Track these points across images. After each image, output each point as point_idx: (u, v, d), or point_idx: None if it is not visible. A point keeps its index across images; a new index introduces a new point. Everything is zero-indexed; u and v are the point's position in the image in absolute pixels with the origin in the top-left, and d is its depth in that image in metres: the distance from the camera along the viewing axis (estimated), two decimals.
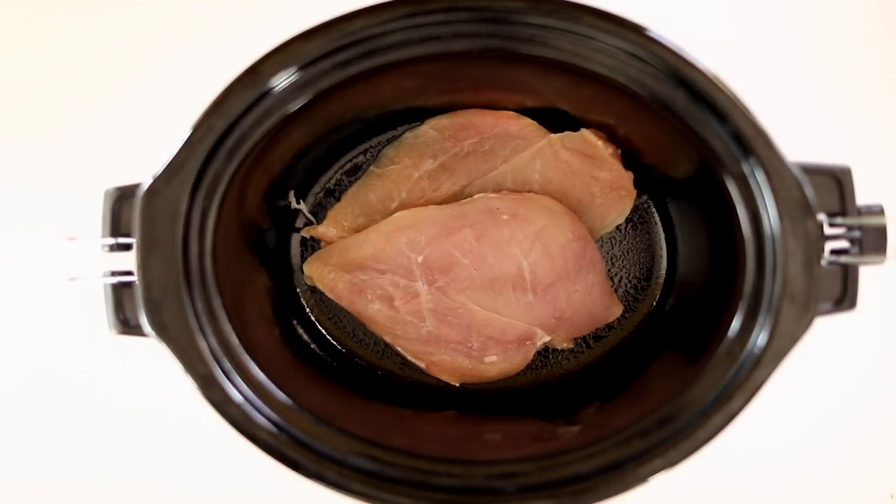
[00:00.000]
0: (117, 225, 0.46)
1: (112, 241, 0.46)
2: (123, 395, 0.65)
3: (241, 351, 0.46)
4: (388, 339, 0.61)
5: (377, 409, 0.57)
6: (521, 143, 0.61)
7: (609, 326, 0.62)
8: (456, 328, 0.59)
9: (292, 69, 0.45)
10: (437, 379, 0.61)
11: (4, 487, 0.65)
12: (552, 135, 0.61)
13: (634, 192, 0.61)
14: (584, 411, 0.56)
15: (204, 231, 0.45)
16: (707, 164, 0.47)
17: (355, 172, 0.62)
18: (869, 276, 0.47)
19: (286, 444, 0.45)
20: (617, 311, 0.62)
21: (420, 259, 0.59)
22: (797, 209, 0.44)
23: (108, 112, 0.65)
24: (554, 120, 0.61)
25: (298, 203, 0.62)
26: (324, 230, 0.62)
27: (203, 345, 0.45)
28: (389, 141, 0.62)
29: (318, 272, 0.61)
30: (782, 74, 0.67)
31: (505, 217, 0.59)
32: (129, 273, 0.45)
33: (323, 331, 0.62)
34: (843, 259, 0.45)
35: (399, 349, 0.61)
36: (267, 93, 0.46)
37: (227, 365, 0.45)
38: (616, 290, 0.62)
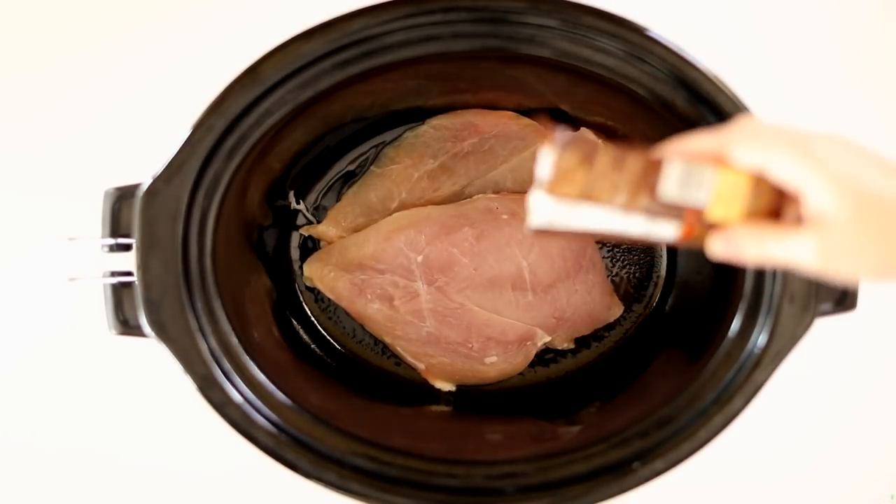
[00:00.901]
0: (117, 225, 0.46)
1: (112, 241, 0.46)
2: (123, 395, 0.65)
3: (240, 351, 0.46)
4: (387, 339, 0.60)
5: (377, 408, 0.57)
6: (520, 144, 0.61)
7: (609, 326, 0.62)
8: (456, 328, 0.59)
9: (292, 69, 0.45)
10: (438, 379, 0.61)
11: (5, 486, 0.65)
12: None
13: None
14: (584, 411, 0.56)
15: (204, 231, 0.45)
16: None
17: (355, 173, 0.62)
18: None
19: (286, 444, 0.45)
20: (617, 311, 0.62)
21: (420, 259, 0.59)
22: None
23: (109, 112, 0.65)
24: (554, 120, 0.61)
25: (298, 203, 0.62)
26: (324, 230, 0.62)
27: (203, 345, 0.45)
28: (389, 141, 0.62)
29: (318, 272, 0.61)
30: (782, 74, 0.67)
31: (505, 217, 0.59)
32: (128, 273, 0.45)
33: (323, 331, 0.62)
34: None
35: (399, 350, 0.61)
36: (267, 93, 0.46)
37: (227, 365, 0.45)
38: (616, 290, 0.62)
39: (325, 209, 0.63)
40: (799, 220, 0.33)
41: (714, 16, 0.68)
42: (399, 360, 0.62)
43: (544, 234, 0.36)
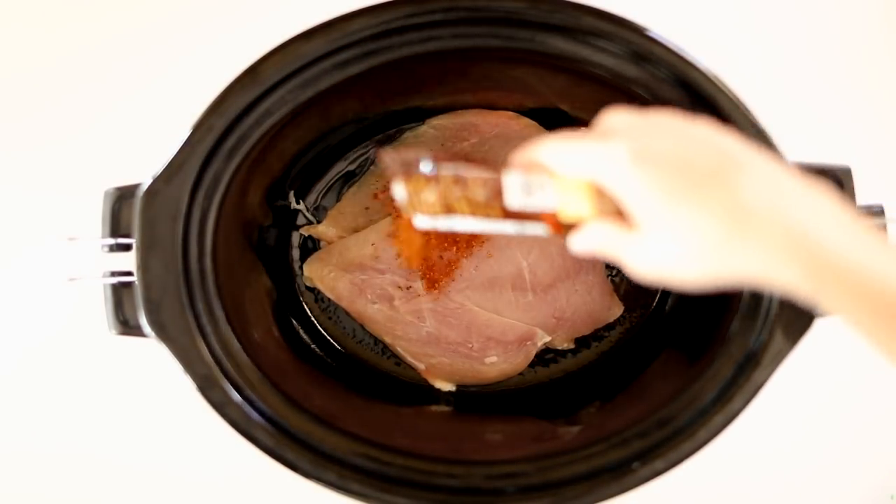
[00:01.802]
0: (117, 225, 0.46)
1: (112, 241, 0.46)
2: (123, 395, 0.65)
3: (240, 351, 0.45)
4: (387, 339, 0.60)
5: (377, 408, 0.57)
6: (520, 144, 0.61)
7: (609, 326, 0.62)
8: (456, 329, 0.59)
9: (292, 69, 0.45)
10: (438, 379, 0.61)
11: (5, 486, 0.65)
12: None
13: None
14: (584, 411, 0.56)
15: (204, 231, 0.45)
16: None
17: (355, 173, 0.62)
18: None
19: (286, 444, 0.45)
20: (617, 311, 0.62)
21: (419, 258, 0.59)
22: None
23: (109, 112, 0.65)
24: (554, 120, 0.61)
25: (298, 203, 0.62)
26: (324, 230, 0.62)
27: (203, 345, 0.45)
28: (389, 141, 0.62)
29: (318, 272, 0.61)
30: (782, 75, 0.67)
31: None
32: (128, 273, 0.45)
33: (323, 331, 0.62)
34: None
35: (399, 350, 0.61)
36: (267, 93, 0.46)
37: (227, 365, 0.45)
38: (616, 290, 0.62)
39: (325, 209, 0.63)
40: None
41: (714, 16, 0.68)
42: (399, 360, 0.62)
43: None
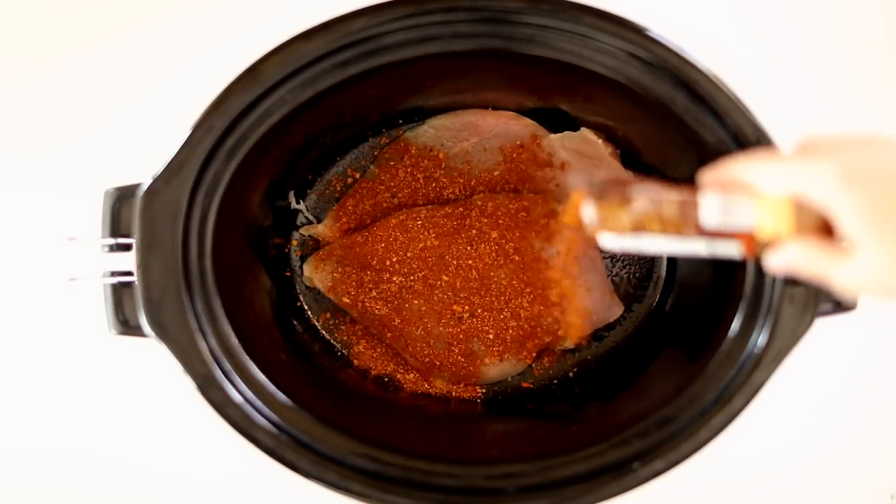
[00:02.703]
0: (117, 225, 0.46)
1: (112, 241, 0.46)
2: (123, 395, 0.65)
3: (240, 351, 0.45)
4: (387, 338, 0.60)
5: (377, 408, 0.57)
6: (520, 143, 0.61)
7: (609, 326, 0.62)
8: (456, 328, 0.59)
9: (292, 69, 0.45)
10: (438, 379, 0.61)
11: (5, 486, 0.65)
12: (552, 135, 0.61)
13: None
14: (584, 411, 0.56)
15: (204, 231, 0.45)
16: (707, 163, 0.47)
17: (355, 172, 0.62)
18: None
19: (286, 444, 0.45)
20: (617, 311, 0.62)
21: (419, 258, 0.59)
22: None
23: (109, 112, 0.65)
24: (554, 120, 0.61)
25: (298, 203, 0.62)
26: (324, 230, 0.62)
27: (203, 345, 0.45)
28: (389, 141, 0.62)
29: (318, 272, 0.61)
30: (782, 75, 0.67)
31: (504, 217, 0.59)
32: (128, 273, 0.45)
33: (323, 331, 0.62)
34: None
35: (399, 349, 0.61)
36: (267, 93, 0.46)
37: (227, 365, 0.45)
38: (616, 290, 0.62)
39: (325, 209, 0.63)
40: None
41: (714, 16, 0.68)
42: (399, 360, 0.62)
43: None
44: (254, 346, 0.47)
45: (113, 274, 0.46)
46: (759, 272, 0.45)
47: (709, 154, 0.46)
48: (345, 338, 0.62)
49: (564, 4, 0.46)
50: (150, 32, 0.66)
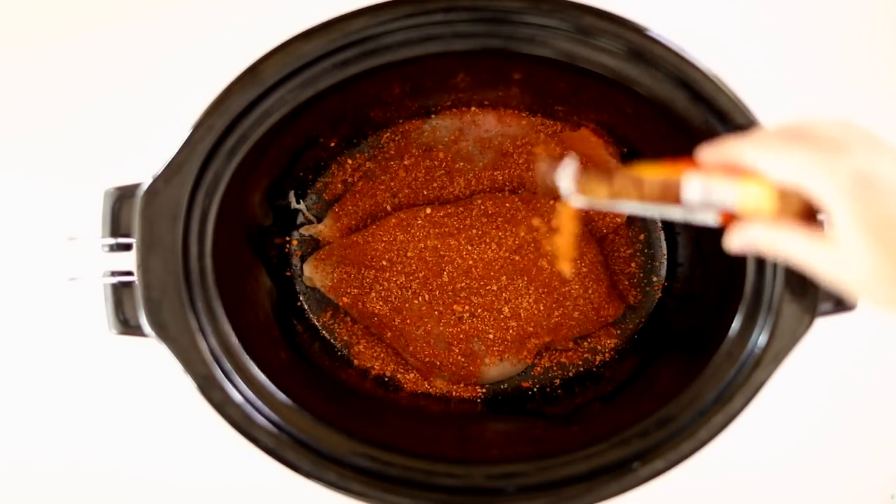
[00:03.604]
0: (117, 225, 0.46)
1: (112, 241, 0.46)
2: (123, 395, 0.65)
3: (240, 351, 0.45)
4: (387, 338, 0.61)
5: (377, 408, 0.57)
6: (521, 143, 0.61)
7: (609, 326, 0.62)
8: (455, 328, 0.59)
9: (292, 69, 0.45)
10: (438, 379, 0.61)
11: (5, 486, 0.65)
12: (552, 134, 0.61)
13: None
14: (584, 411, 0.56)
15: (204, 231, 0.45)
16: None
17: (355, 172, 0.62)
18: None
19: (286, 444, 0.45)
20: (617, 311, 0.62)
21: (419, 258, 0.59)
22: None
23: (108, 112, 0.65)
24: (554, 120, 0.61)
25: (298, 203, 0.62)
26: (324, 230, 0.62)
27: (203, 345, 0.45)
28: (390, 141, 0.62)
29: (318, 272, 0.61)
30: (782, 74, 0.67)
31: (504, 217, 0.59)
32: (129, 273, 0.45)
33: (323, 331, 0.62)
34: None
35: (399, 349, 0.61)
36: (267, 93, 0.46)
37: (227, 365, 0.45)
38: (616, 290, 0.62)
39: (325, 209, 0.63)
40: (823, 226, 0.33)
41: (714, 16, 0.68)
42: (399, 360, 0.62)
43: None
44: (254, 346, 0.47)
45: (113, 274, 0.46)
46: (760, 272, 0.45)
47: None
48: (345, 338, 0.62)
49: (564, 4, 0.46)
50: (151, 32, 0.66)
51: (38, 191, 0.66)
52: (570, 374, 0.62)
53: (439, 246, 0.59)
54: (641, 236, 0.63)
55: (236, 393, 0.45)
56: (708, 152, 0.35)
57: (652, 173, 0.36)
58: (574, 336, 0.61)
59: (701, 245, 0.59)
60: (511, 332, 0.59)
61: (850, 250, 0.31)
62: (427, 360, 0.60)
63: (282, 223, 0.62)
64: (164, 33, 0.66)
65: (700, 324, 0.54)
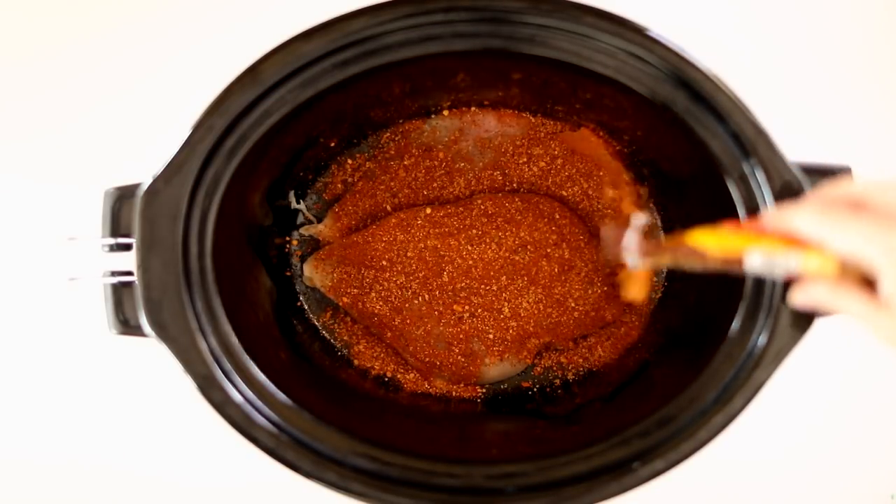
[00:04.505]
0: (117, 225, 0.46)
1: (112, 241, 0.46)
2: (123, 395, 0.65)
3: (240, 351, 0.45)
4: (387, 338, 0.61)
5: (377, 408, 0.57)
6: (521, 143, 0.61)
7: (609, 326, 0.62)
8: (455, 328, 0.59)
9: (292, 69, 0.45)
10: (438, 379, 0.61)
11: (5, 485, 0.65)
12: (552, 134, 0.61)
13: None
14: (584, 411, 0.56)
15: (204, 231, 0.45)
16: (707, 164, 0.47)
17: (355, 172, 0.62)
18: None
19: (286, 444, 0.45)
20: (617, 311, 0.62)
21: (419, 258, 0.59)
22: None
23: (108, 112, 0.65)
24: (554, 119, 0.61)
25: (298, 203, 0.62)
26: (324, 230, 0.62)
27: (203, 345, 0.45)
28: (390, 141, 0.62)
29: (318, 272, 0.61)
30: (782, 75, 0.67)
31: (504, 217, 0.59)
32: (129, 273, 0.45)
33: (323, 331, 0.62)
34: None
35: (399, 349, 0.61)
36: (267, 93, 0.46)
37: (227, 365, 0.45)
38: (616, 290, 0.62)
39: (325, 209, 0.63)
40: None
41: (714, 16, 0.68)
42: (399, 360, 0.62)
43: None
44: (254, 346, 0.47)
45: (113, 274, 0.46)
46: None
47: (709, 154, 0.46)
48: (345, 338, 0.62)
49: (564, 4, 0.46)
50: (151, 32, 0.66)
51: (38, 191, 0.66)
52: (570, 374, 0.62)
53: (439, 246, 0.59)
54: None
55: (236, 393, 0.45)
56: (773, 218, 0.36)
57: (713, 244, 0.37)
58: (574, 336, 0.61)
59: None
60: (511, 332, 0.59)
61: None
62: (427, 360, 0.60)
63: (282, 223, 0.62)
64: (165, 34, 0.66)
65: (700, 324, 0.54)
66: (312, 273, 0.61)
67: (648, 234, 0.40)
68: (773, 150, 0.44)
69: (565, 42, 0.46)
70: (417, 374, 0.61)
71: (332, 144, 0.61)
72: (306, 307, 0.63)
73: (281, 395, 0.46)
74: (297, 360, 0.56)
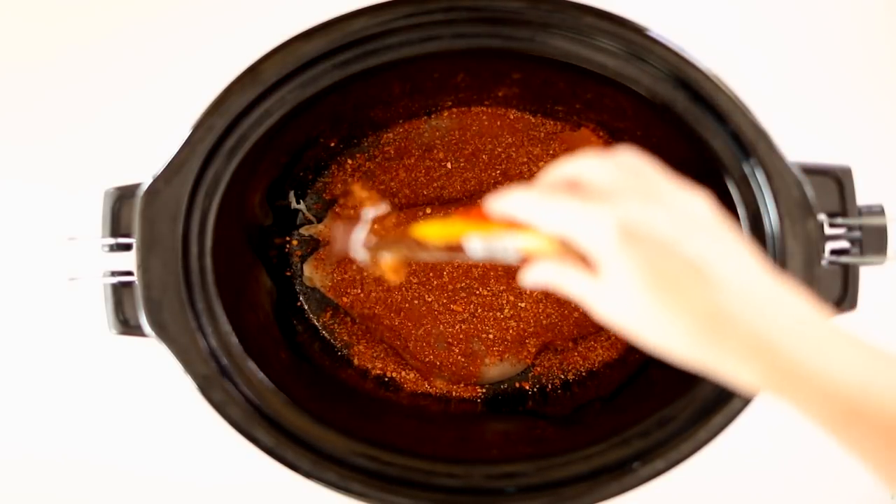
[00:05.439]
0: (117, 225, 0.46)
1: (112, 241, 0.46)
2: (123, 395, 0.65)
3: (240, 351, 0.45)
4: (387, 338, 0.60)
5: (377, 408, 0.57)
6: (521, 143, 0.61)
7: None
8: (456, 328, 0.59)
9: (292, 69, 0.45)
10: (438, 379, 0.61)
11: (5, 485, 0.65)
12: (552, 134, 0.61)
13: None
14: (584, 411, 0.56)
15: (204, 231, 0.45)
16: (707, 164, 0.47)
17: (355, 172, 0.62)
18: (869, 276, 0.47)
19: (286, 444, 0.45)
20: None
21: (420, 259, 0.59)
22: (797, 209, 0.44)
23: (109, 112, 0.65)
24: (554, 119, 0.61)
25: (298, 203, 0.62)
26: (324, 229, 0.62)
27: (203, 345, 0.45)
28: (389, 141, 0.62)
29: (318, 272, 0.61)
30: (782, 74, 0.67)
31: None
32: (129, 273, 0.45)
33: (323, 331, 0.62)
34: (844, 259, 0.45)
35: (398, 349, 0.61)
36: (267, 93, 0.46)
37: (227, 365, 0.45)
38: None
39: (325, 209, 0.63)
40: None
41: (714, 16, 0.68)
42: (399, 360, 0.62)
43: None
44: (254, 345, 0.47)
45: (113, 274, 0.46)
46: None
47: (709, 154, 0.46)
48: (345, 338, 0.62)
49: (564, 4, 0.46)
50: (151, 32, 0.66)
51: (38, 191, 0.66)
52: (570, 374, 0.62)
53: (439, 246, 0.59)
54: None
55: (236, 393, 0.45)
56: (489, 206, 0.36)
57: (435, 233, 0.38)
58: (574, 336, 0.61)
59: None
60: (511, 332, 0.59)
61: (618, 293, 0.31)
62: (427, 360, 0.60)
63: (282, 223, 0.62)
64: (165, 35, 0.66)
65: None
66: (312, 273, 0.61)
67: (392, 226, 0.39)
68: (773, 150, 0.44)
69: (565, 42, 0.46)
70: (417, 374, 0.61)
71: (332, 144, 0.61)
72: (306, 307, 0.63)
73: (281, 395, 0.46)
74: (297, 360, 0.56)
